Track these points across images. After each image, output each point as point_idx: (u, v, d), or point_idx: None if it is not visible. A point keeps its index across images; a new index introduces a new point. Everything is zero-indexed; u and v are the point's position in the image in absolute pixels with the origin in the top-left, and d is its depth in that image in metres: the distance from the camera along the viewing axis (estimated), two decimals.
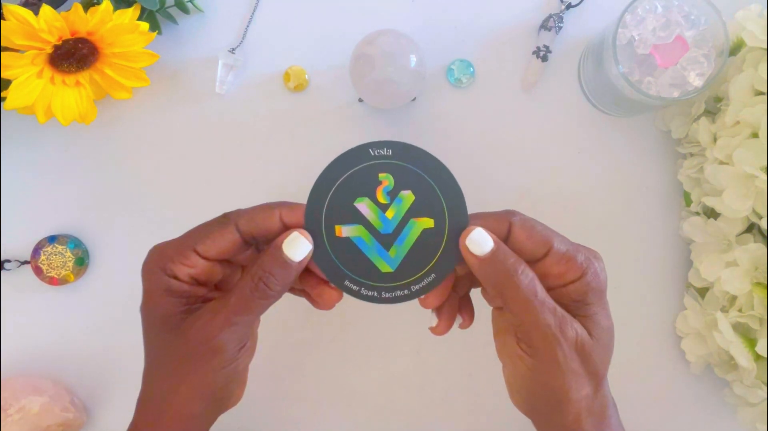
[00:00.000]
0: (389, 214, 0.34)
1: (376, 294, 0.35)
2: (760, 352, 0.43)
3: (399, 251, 0.34)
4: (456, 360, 0.52)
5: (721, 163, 0.44)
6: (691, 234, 0.48)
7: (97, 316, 0.51)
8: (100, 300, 0.51)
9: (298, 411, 0.52)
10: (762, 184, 0.40)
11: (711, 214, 0.48)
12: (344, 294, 0.35)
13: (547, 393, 0.34)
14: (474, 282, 0.38)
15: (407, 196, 0.34)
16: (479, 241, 0.32)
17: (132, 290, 0.52)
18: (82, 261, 0.50)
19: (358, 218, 0.34)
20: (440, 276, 0.34)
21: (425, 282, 0.34)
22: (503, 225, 0.33)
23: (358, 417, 0.52)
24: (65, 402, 0.49)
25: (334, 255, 0.34)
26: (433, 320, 0.36)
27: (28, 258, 0.50)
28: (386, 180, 0.34)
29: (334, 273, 0.34)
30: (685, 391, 0.52)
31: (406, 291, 0.35)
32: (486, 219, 0.34)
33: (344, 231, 0.34)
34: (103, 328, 0.52)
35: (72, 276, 0.50)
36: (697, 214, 0.49)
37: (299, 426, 0.52)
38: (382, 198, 0.34)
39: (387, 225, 0.34)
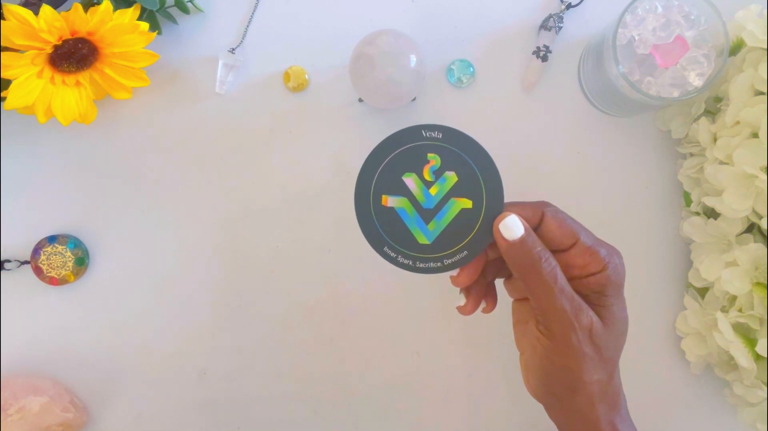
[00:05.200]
0: (432, 190, 0.37)
1: (411, 263, 0.37)
2: (760, 352, 0.43)
3: (437, 226, 0.37)
4: (455, 360, 0.52)
5: (721, 163, 0.44)
6: (691, 234, 0.48)
7: (97, 316, 0.51)
8: (100, 300, 0.51)
9: (298, 411, 0.52)
10: (762, 183, 0.40)
11: (711, 213, 0.48)
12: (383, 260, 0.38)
13: (562, 374, 0.36)
14: (501, 271, 0.40)
15: (451, 177, 0.37)
16: (511, 227, 0.35)
17: (132, 290, 0.52)
18: (82, 262, 0.50)
19: (404, 191, 0.37)
20: (472, 254, 0.37)
21: (457, 257, 0.37)
22: (536, 215, 0.36)
23: (358, 417, 0.52)
24: (65, 402, 0.49)
25: (377, 222, 0.37)
26: (461, 300, 0.39)
27: (28, 258, 0.50)
28: (434, 160, 0.37)
29: (376, 238, 0.37)
30: (685, 391, 0.52)
31: (438, 264, 0.37)
32: (521, 208, 0.36)
33: (390, 201, 0.37)
34: (103, 328, 0.52)
35: (72, 276, 0.50)
36: (697, 213, 0.49)
37: (299, 426, 0.52)
38: (428, 175, 0.37)
39: (429, 201, 0.37)
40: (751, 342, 0.44)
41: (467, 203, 0.36)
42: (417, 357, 0.52)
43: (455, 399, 0.52)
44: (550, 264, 0.35)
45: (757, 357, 0.44)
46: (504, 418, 0.52)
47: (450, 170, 0.36)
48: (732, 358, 0.45)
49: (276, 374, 0.52)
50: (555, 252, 0.36)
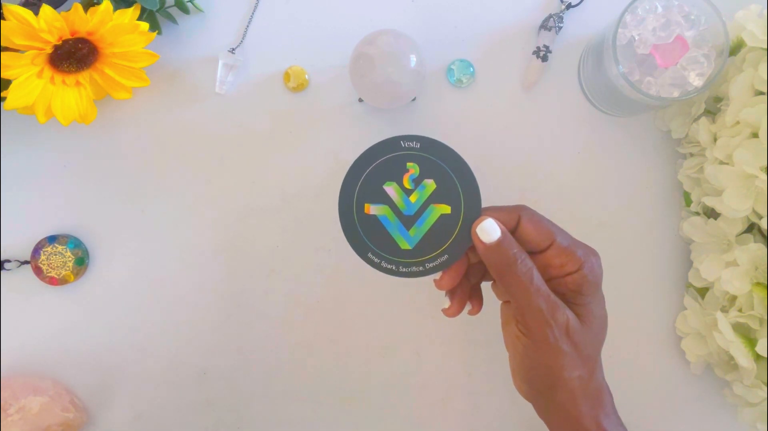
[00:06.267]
0: (412, 198, 0.38)
1: (394, 267, 0.39)
2: (760, 352, 0.43)
3: (418, 231, 0.38)
4: (455, 360, 0.52)
5: (721, 163, 0.44)
6: (691, 234, 0.48)
7: (97, 316, 0.51)
8: (100, 300, 0.51)
9: (298, 411, 0.52)
10: (762, 183, 0.40)
11: (711, 214, 0.48)
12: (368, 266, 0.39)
13: (542, 371, 0.37)
14: (485, 274, 0.41)
15: (430, 184, 0.38)
16: (488, 230, 0.36)
17: (132, 290, 0.52)
18: (82, 261, 0.50)
19: (385, 199, 0.39)
20: (452, 258, 0.38)
21: (438, 261, 0.38)
22: (513, 218, 0.37)
23: (358, 417, 0.52)
24: (65, 402, 0.49)
25: (361, 230, 0.39)
26: (446, 302, 0.40)
27: (28, 258, 0.50)
28: (413, 168, 0.38)
29: (360, 245, 0.39)
30: (685, 391, 0.52)
31: (420, 268, 0.38)
32: (498, 212, 0.38)
33: (372, 209, 0.39)
34: (103, 328, 0.52)
35: (72, 276, 0.50)
36: (697, 213, 0.49)
37: (299, 426, 0.52)
38: (407, 183, 0.38)
39: (409, 208, 0.38)
40: (751, 342, 0.44)
41: (446, 209, 0.38)
42: (417, 357, 0.52)
43: (455, 399, 0.52)
44: (526, 264, 0.36)
45: (757, 357, 0.44)
46: (504, 418, 0.52)
47: (429, 178, 0.38)
48: (732, 358, 0.45)
49: (276, 374, 0.52)
50: (533, 253, 0.37)
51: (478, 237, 0.37)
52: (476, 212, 0.38)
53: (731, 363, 0.47)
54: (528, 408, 0.52)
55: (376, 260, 0.39)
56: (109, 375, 0.52)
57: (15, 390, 0.48)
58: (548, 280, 0.37)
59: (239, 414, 0.52)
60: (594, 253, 0.37)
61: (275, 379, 0.52)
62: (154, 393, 0.52)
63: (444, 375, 0.52)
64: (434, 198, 0.38)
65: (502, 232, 0.36)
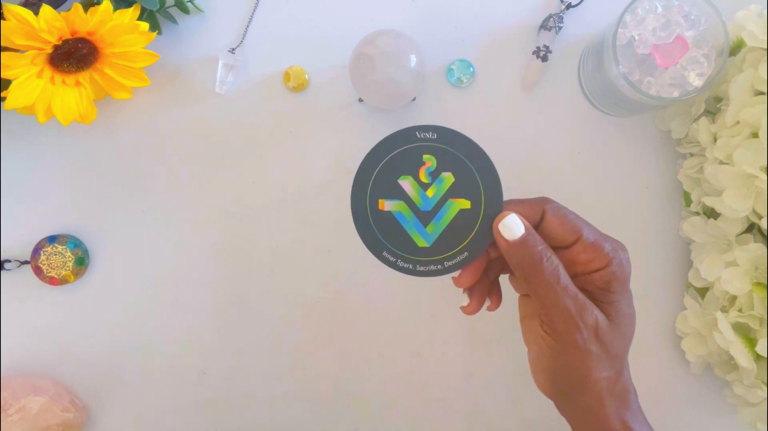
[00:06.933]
0: (429, 192, 0.36)
1: (411, 266, 0.36)
2: (760, 352, 0.43)
3: (436, 228, 0.36)
4: (456, 360, 0.52)
5: (721, 163, 0.44)
6: (691, 234, 0.48)
7: (97, 316, 0.51)
8: (100, 300, 0.51)
9: (298, 411, 0.52)
10: (762, 183, 0.40)
11: (711, 214, 0.48)
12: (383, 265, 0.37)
13: (569, 373, 0.35)
14: (504, 267, 0.39)
15: (447, 177, 0.36)
16: (511, 227, 0.34)
17: (132, 290, 0.52)
18: (82, 261, 0.50)
19: (401, 194, 0.36)
20: (472, 255, 0.36)
21: (458, 259, 0.36)
22: (537, 212, 0.35)
23: (358, 417, 0.52)
24: (65, 402, 0.49)
25: (375, 227, 0.36)
26: (465, 300, 0.38)
27: (28, 258, 0.50)
28: (429, 161, 0.36)
29: (374, 243, 0.36)
30: (685, 391, 0.52)
31: (439, 266, 0.36)
32: (521, 206, 0.36)
33: (387, 205, 0.36)
34: (103, 328, 0.52)
35: (72, 276, 0.50)
36: (697, 213, 0.49)
37: (299, 426, 0.52)
38: (424, 177, 0.36)
39: (426, 203, 0.36)
40: (751, 342, 0.44)
41: (465, 203, 0.36)
42: (417, 357, 0.52)
43: (455, 399, 0.52)
44: (552, 263, 0.34)
45: (757, 357, 0.44)
46: (504, 418, 0.52)
47: (446, 171, 0.36)
48: (732, 358, 0.45)
49: (276, 374, 0.52)
50: (557, 249, 0.35)
51: (501, 235, 0.34)
52: (498, 206, 0.35)
53: (731, 363, 0.47)
54: (528, 409, 0.52)
55: (391, 259, 0.36)
56: (109, 375, 0.52)
57: (15, 390, 0.48)
58: (574, 277, 0.35)
59: (239, 414, 0.52)
60: (622, 248, 0.36)
61: (275, 379, 0.52)
62: (154, 393, 0.52)
63: (444, 375, 0.52)
64: (453, 192, 0.36)
65: (526, 228, 0.34)
